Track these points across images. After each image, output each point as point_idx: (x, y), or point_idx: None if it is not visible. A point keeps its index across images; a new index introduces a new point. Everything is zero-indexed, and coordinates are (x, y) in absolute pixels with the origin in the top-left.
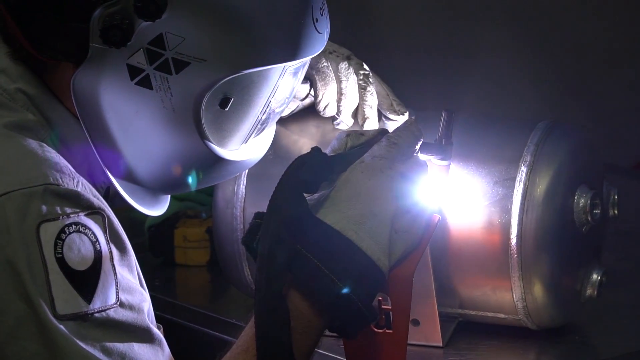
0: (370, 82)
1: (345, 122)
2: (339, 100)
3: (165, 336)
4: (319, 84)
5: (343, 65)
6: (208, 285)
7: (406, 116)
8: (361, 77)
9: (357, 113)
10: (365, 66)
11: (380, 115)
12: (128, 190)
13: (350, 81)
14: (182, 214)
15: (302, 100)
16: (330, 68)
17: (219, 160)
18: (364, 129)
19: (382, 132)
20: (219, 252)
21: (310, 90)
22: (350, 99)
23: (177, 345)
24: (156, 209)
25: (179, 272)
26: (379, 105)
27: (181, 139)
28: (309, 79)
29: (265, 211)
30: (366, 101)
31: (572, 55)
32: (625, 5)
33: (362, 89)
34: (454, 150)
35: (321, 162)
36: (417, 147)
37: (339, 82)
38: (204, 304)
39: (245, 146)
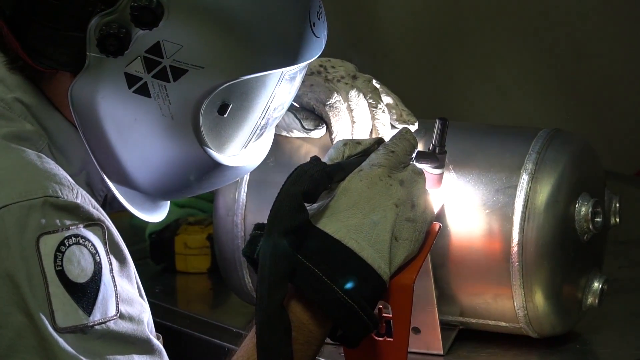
0: (379, 99)
1: None
2: (352, 129)
3: (165, 344)
4: (332, 120)
5: (353, 94)
6: (209, 293)
7: (416, 126)
8: (370, 95)
9: (370, 132)
10: (373, 81)
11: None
12: (127, 197)
13: (361, 108)
14: (183, 221)
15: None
16: (342, 101)
17: (218, 166)
18: None
19: (379, 141)
20: (219, 259)
21: (325, 132)
22: (362, 125)
23: (177, 353)
24: (156, 215)
25: (179, 279)
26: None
27: (180, 145)
28: (322, 116)
29: (265, 221)
30: (378, 119)
31: (574, 62)
32: (629, 12)
33: (373, 108)
34: (455, 158)
35: (321, 171)
36: (413, 155)
37: (350, 111)
38: (204, 311)
39: (244, 151)
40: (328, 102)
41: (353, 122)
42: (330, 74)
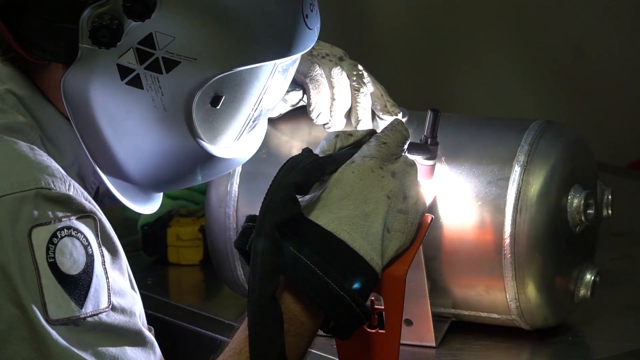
0: (363, 83)
1: (336, 127)
2: (330, 106)
3: (157, 335)
4: (312, 92)
5: (336, 70)
6: (201, 284)
7: (399, 117)
8: (354, 79)
9: (350, 114)
10: (359, 67)
11: (373, 115)
12: (120, 188)
13: (342, 85)
14: (175, 213)
15: (294, 106)
16: (324, 75)
17: (211, 158)
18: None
19: (371, 132)
20: (212, 251)
21: (302, 97)
22: (341, 103)
23: (169, 345)
24: (149, 207)
25: (171, 271)
26: (372, 105)
27: (173, 137)
28: (302, 86)
29: (257, 213)
30: (359, 103)
31: (566, 54)
32: (622, 5)
33: (355, 91)
34: (447, 150)
35: (313, 163)
36: (405, 146)
37: (331, 87)
38: (196, 303)
39: (237, 143)
40: (309, 74)
41: (333, 99)
42: (316, 50)
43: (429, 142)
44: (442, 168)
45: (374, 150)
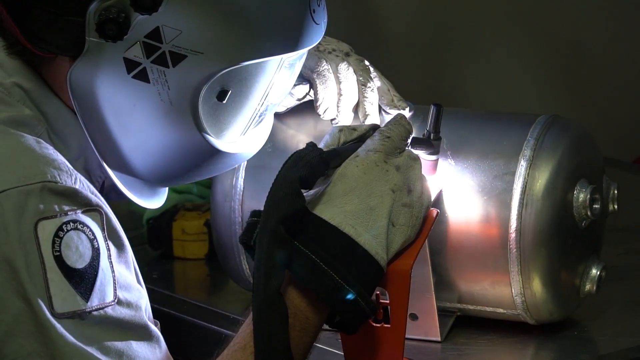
0: (370, 78)
1: (343, 122)
2: (337, 101)
3: (162, 329)
4: (319, 87)
5: (343, 66)
6: (206, 279)
7: (407, 112)
8: (361, 74)
9: (357, 109)
10: (365, 62)
11: (380, 110)
12: (126, 182)
13: (349, 81)
14: (181, 207)
15: (300, 99)
16: (331, 70)
17: (216, 153)
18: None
19: (374, 127)
20: (217, 246)
21: (309, 91)
22: (348, 98)
23: (174, 339)
24: (154, 202)
25: (177, 265)
26: (379, 100)
27: (179, 131)
28: (309, 81)
29: (262, 207)
30: (367, 97)
31: (572, 49)
32: (628, 1)
33: (362, 85)
34: (453, 145)
35: (317, 157)
36: (409, 141)
37: (338, 83)
38: (202, 297)
39: (243, 138)
40: (316, 69)
41: (340, 94)
42: (322, 46)
43: (431, 137)
44: (448, 162)
45: (377, 144)
